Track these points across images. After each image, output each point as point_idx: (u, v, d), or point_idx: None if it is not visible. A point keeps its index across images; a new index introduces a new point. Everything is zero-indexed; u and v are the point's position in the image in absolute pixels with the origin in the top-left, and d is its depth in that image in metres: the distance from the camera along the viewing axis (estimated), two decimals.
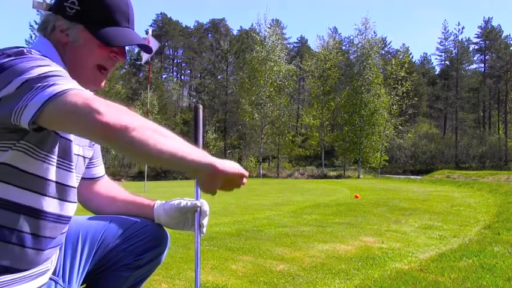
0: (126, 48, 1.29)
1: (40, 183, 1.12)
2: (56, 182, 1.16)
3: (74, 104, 0.94)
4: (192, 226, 1.43)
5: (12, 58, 1.00)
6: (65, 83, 0.97)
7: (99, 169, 1.46)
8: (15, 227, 1.10)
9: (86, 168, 1.38)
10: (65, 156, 1.19)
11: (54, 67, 1.02)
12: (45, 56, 1.07)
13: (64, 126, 1.00)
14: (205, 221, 1.43)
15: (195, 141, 1.56)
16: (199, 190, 1.45)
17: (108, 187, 1.49)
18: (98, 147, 1.43)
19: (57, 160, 1.15)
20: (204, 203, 1.44)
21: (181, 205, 1.41)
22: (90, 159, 1.40)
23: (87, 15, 1.17)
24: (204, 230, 1.43)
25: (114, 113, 0.94)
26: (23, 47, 1.06)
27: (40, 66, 0.99)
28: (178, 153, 0.97)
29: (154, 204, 1.45)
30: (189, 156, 0.98)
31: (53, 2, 1.23)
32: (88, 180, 1.42)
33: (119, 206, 1.44)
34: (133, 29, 1.26)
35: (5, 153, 1.05)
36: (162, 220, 1.42)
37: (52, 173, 1.14)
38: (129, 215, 1.42)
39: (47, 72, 0.98)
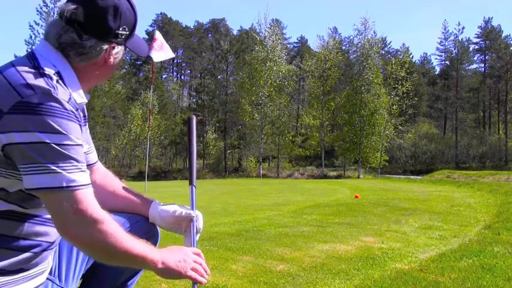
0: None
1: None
2: None
3: (66, 206, 1.05)
4: (184, 232, 1.47)
5: (38, 102, 1.01)
6: (72, 173, 1.05)
7: (92, 156, 1.46)
8: (12, 233, 1.12)
9: None
10: None
11: (71, 138, 1.05)
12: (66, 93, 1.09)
13: (48, 213, 1.11)
14: (196, 237, 1.45)
15: (188, 150, 1.64)
16: (194, 200, 1.51)
17: (103, 177, 1.49)
18: (87, 134, 1.42)
19: None
20: (199, 216, 1.48)
21: (176, 214, 1.44)
22: None
23: (129, 37, 1.25)
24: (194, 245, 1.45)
25: (92, 238, 1.09)
26: (46, 82, 1.05)
27: (60, 133, 1.03)
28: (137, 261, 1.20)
29: (150, 205, 1.46)
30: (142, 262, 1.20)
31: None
32: None
33: (115, 203, 1.44)
34: None
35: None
36: (157, 222, 1.45)
37: None
38: (123, 212, 1.44)
39: (62, 146, 1.03)
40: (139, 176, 33.27)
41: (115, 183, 1.50)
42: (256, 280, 2.89)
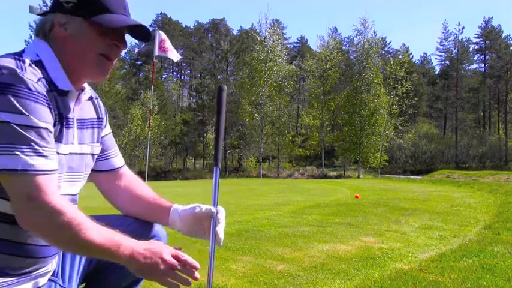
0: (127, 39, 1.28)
1: None
2: None
3: (20, 192, 1.01)
4: (208, 235, 1.36)
5: (2, 82, 1.01)
6: (29, 156, 1.00)
7: (116, 160, 1.45)
8: (10, 238, 1.11)
9: (101, 160, 1.39)
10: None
11: (33, 120, 1.02)
12: (37, 68, 1.09)
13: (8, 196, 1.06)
14: (219, 229, 1.36)
15: (217, 124, 1.45)
16: (217, 196, 1.38)
17: (128, 181, 1.47)
18: (109, 139, 1.42)
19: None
20: (220, 210, 1.38)
21: (196, 211, 1.37)
22: (103, 151, 1.39)
23: (85, 7, 1.17)
24: (221, 240, 1.36)
25: (49, 227, 1.03)
26: (17, 63, 1.06)
27: (21, 113, 1.01)
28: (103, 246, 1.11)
29: (171, 208, 1.43)
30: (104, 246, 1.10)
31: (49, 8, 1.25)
32: (107, 172, 1.42)
33: (136, 209, 1.43)
34: (130, 17, 1.26)
35: None
36: (177, 225, 1.40)
37: None
38: (144, 219, 1.42)
39: (22, 127, 1.00)
40: (139, 176, 33.21)
41: (138, 189, 1.46)
42: (256, 280, 2.89)
